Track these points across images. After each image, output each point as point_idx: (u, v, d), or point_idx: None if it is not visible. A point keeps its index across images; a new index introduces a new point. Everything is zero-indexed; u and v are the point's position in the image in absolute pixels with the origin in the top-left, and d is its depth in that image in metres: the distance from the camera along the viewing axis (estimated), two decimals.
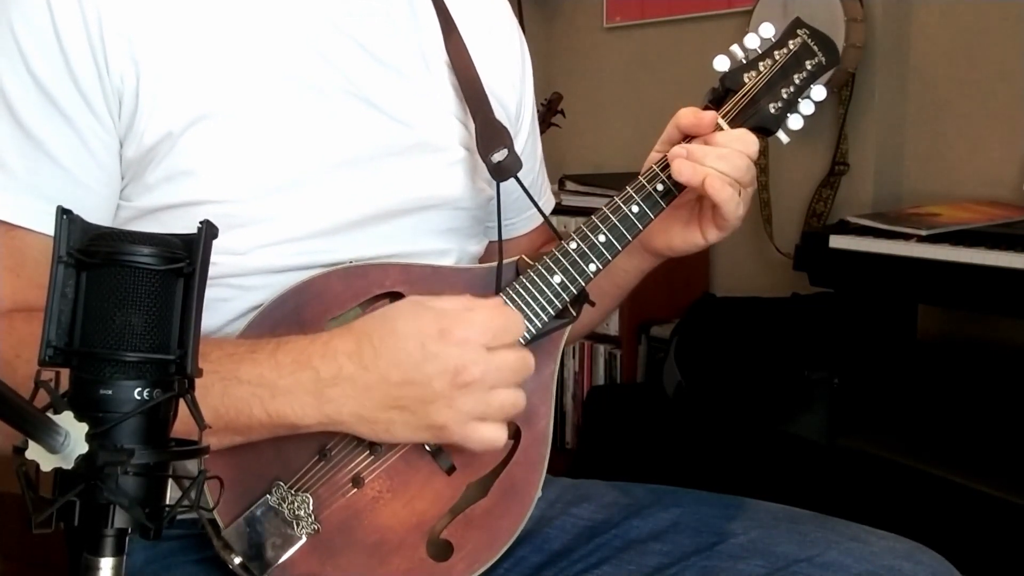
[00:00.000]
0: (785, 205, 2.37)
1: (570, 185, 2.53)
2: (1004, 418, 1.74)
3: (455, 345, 0.77)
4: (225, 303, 0.87)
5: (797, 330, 2.02)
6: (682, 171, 0.89)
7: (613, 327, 2.46)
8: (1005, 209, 1.91)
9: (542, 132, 2.68)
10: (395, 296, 0.88)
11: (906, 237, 1.79)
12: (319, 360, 0.78)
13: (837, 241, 1.88)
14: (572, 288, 0.89)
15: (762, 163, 2.29)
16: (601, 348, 2.52)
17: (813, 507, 0.98)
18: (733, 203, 0.90)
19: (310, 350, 0.79)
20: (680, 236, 0.97)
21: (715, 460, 1.99)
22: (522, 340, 0.86)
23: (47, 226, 0.80)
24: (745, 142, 0.91)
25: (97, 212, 0.84)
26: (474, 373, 0.77)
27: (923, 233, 1.77)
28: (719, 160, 0.89)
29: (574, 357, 2.55)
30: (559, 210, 2.35)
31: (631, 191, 0.91)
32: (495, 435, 0.80)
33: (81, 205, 0.81)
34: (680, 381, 2.12)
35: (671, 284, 2.35)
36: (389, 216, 0.93)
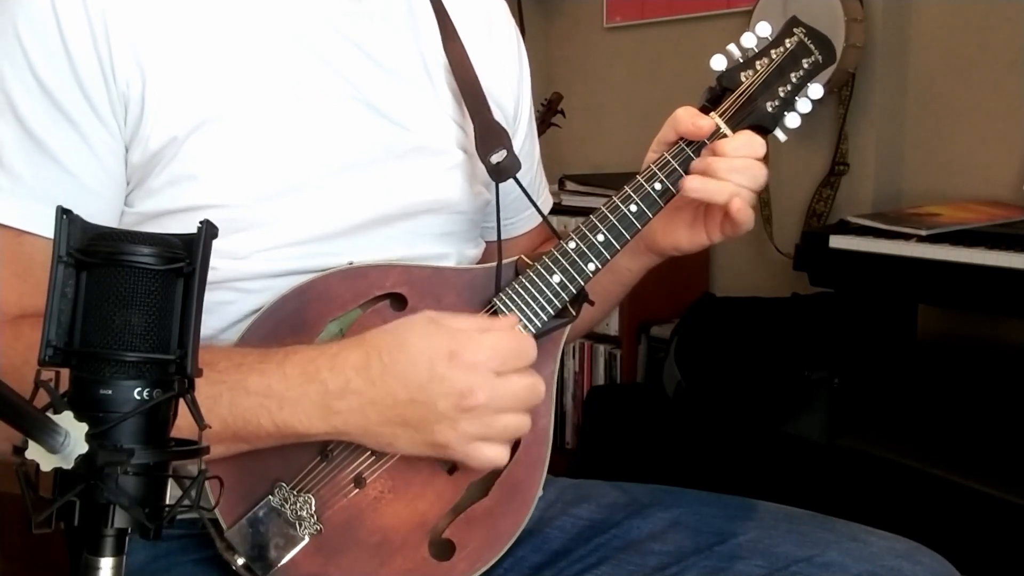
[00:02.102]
0: (785, 205, 2.37)
1: (570, 185, 2.53)
2: (1004, 418, 1.73)
3: (464, 369, 0.77)
4: (227, 306, 0.88)
5: (797, 330, 2.02)
6: (695, 187, 0.89)
7: (613, 327, 2.46)
8: (1005, 209, 1.91)
9: (542, 132, 2.67)
10: (396, 297, 0.88)
11: (906, 237, 1.79)
12: (327, 372, 0.78)
13: (837, 241, 1.88)
14: (571, 287, 0.89)
15: None
16: (601, 348, 2.51)
17: (813, 507, 0.98)
18: (751, 219, 0.91)
19: (319, 362, 0.78)
20: (686, 237, 0.97)
21: (715, 460, 1.99)
22: None
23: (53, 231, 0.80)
24: (755, 147, 0.91)
25: (102, 217, 0.84)
26: (479, 398, 0.77)
27: (923, 233, 1.77)
28: (742, 174, 0.89)
29: (574, 357, 2.55)
30: (559, 210, 2.35)
31: (629, 191, 0.91)
32: (496, 455, 0.81)
33: (87, 210, 0.81)
34: (680, 381, 2.12)
35: (671, 284, 2.35)
36: (389, 220, 0.93)
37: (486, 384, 0.78)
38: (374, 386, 0.77)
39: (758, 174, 0.91)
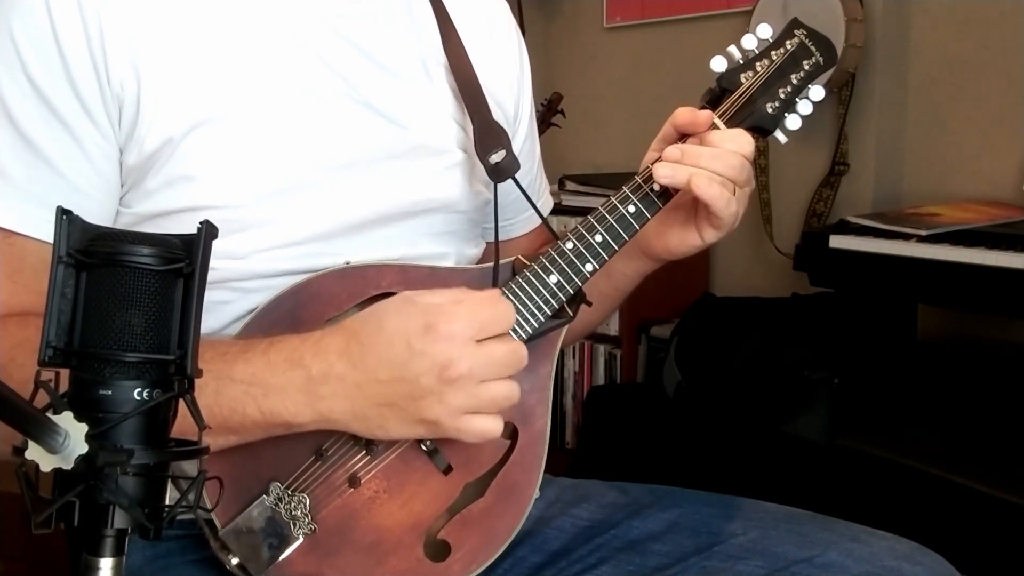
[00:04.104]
0: (785, 205, 2.37)
1: (570, 185, 2.53)
2: (1004, 418, 1.74)
3: (441, 340, 0.77)
4: (225, 306, 0.88)
5: (797, 330, 2.02)
6: (663, 174, 0.89)
7: (613, 327, 2.46)
8: (1005, 209, 1.91)
9: (542, 132, 2.67)
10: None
11: (906, 237, 1.79)
12: (311, 358, 0.78)
13: (837, 241, 1.88)
14: (569, 288, 0.89)
15: (762, 163, 2.29)
16: (601, 348, 2.51)
17: (813, 507, 0.98)
18: (723, 200, 0.89)
19: (302, 349, 0.79)
20: (677, 238, 0.96)
21: (715, 460, 1.99)
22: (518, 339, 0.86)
23: (45, 233, 0.80)
24: (739, 141, 0.91)
25: (96, 219, 0.83)
26: (461, 368, 0.77)
27: (923, 233, 1.77)
28: (713, 159, 0.89)
29: (574, 357, 2.55)
30: (559, 210, 2.35)
31: (627, 191, 0.91)
32: (489, 426, 0.80)
33: (80, 212, 0.81)
34: (680, 381, 2.12)
35: (671, 284, 2.35)
36: (388, 219, 0.93)
37: (466, 353, 0.77)
38: (356, 369, 0.77)
39: (733, 162, 0.89)
